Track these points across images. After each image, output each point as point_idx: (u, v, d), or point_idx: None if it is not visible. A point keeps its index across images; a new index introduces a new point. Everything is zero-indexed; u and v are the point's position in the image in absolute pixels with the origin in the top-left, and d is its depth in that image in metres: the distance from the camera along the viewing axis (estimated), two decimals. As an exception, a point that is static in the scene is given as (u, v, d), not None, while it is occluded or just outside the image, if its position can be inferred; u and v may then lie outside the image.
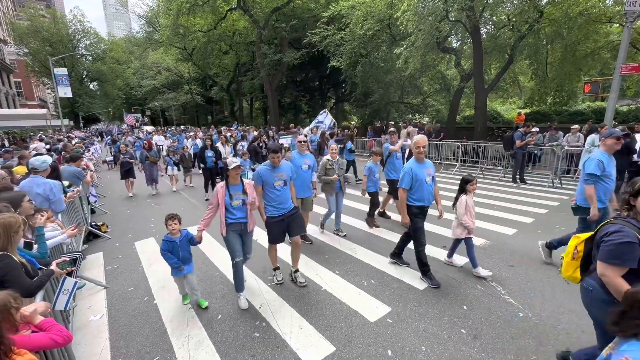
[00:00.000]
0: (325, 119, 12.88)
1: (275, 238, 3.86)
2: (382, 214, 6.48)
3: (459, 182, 4.10)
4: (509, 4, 14.23)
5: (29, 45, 36.72)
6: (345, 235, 5.52)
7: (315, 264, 4.47)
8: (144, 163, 8.98)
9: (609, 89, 9.62)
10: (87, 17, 40.78)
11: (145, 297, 3.82)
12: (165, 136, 16.03)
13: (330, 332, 3.07)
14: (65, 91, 26.56)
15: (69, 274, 2.97)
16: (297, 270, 4.03)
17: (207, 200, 8.26)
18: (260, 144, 11.24)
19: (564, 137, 10.27)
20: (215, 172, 8.68)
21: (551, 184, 8.82)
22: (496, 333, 2.98)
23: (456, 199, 4.04)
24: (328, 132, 10.57)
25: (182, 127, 28.74)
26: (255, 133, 14.33)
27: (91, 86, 47.43)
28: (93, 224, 6.10)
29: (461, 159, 11.72)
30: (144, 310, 3.56)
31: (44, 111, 29.20)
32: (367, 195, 5.81)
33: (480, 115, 15.29)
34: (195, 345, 2.95)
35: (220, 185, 3.36)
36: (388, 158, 6.10)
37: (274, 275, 4.07)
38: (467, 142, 12.14)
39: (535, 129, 9.88)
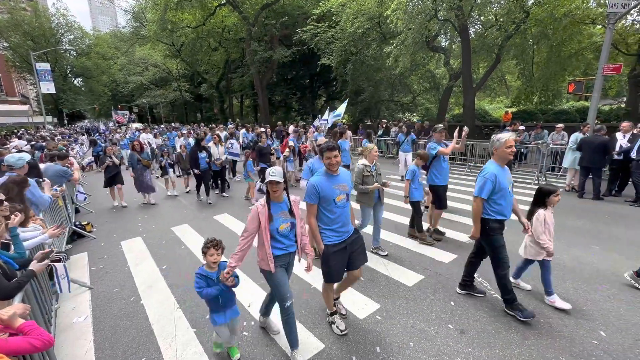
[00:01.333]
0: (329, 116, 12.35)
1: (335, 274, 2.86)
2: (437, 232, 5.32)
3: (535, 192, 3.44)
4: (496, 4, 14.44)
5: (9, 39, 35.39)
6: (387, 255, 4.62)
7: (304, 261, 4.46)
8: (135, 168, 7.54)
9: (592, 88, 9.87)
10: (70, 11, 39.59)
11: (131, 298, 3.75)
12: (155, 134, 14.87)
13: (319, 329, 3.07)
14: (48, 87, 25.75)
15: (55, 261, 2.92)
16: (335, 313, 3.14)
17: (200, 200, 8.02)
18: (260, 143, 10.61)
19: (549, 135, 10.51)
20: (208, 175, 7.97)
21: (536, 181, 9.01)
22: (482, 328, 3.03)
23: (531, 212, 3.35)
24: (329, 127, 10.14)
25: (173, 124, 27.34)
26: (258, 130, 13.14)
27: (75, 82, 46.15)
28: (77, 223, 5.95)
29: (450, 157, 11.86)
30: (130, 311, 3.50)
31: (25, 107, 28.32)
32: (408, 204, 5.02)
33: (469, 113, 15.50)
34: (182, 346, 2.91)
35: (261, 204, 2.51)
36: (434, 160, 5.15)
37: (332, 322, 3.09)
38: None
39: (522, 127, 10.09)
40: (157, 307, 3.54)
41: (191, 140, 11.20)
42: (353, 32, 16.20)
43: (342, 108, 12.06)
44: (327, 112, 12.62)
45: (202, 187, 8.01)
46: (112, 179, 7.55)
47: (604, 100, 17.62)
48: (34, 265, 2.46)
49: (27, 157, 4.42)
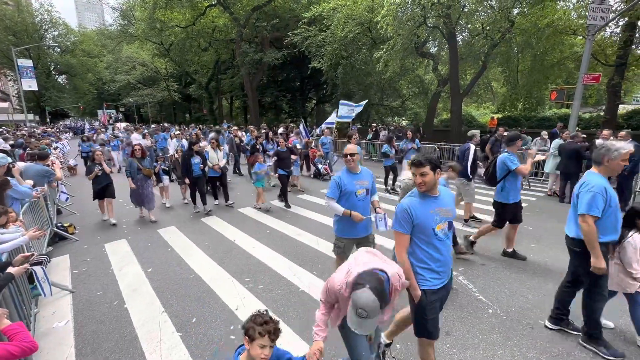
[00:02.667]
0: (332, 119, 11.88)
1: (435, 328, 2.27)
2: (472, 243, 4.80)
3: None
4: (483, 13, 14.85)
5: (-11, 34, 34.26)
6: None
7: (293, 265, 4.46)
8: (134, 178, 6.26)
9: (574, 97, 10.24)
10: (55, 7, 38.57)
11: (115, 302, 3.66)
12: (145, 135, 13.21)
13: (307, 333, 3.07)
14: (30, 84, 25.01)
15: (35, 264, 2.84)
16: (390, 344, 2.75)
17: (197, 212, 6.97)
18: (258, 147, 9.58)
19: (532, 141, 10.82)
20: (202, 182, 7.06)
21: (520, 185, 9.26)
22: (467, 329, 3.09)
23: (622, 236, 2.75)
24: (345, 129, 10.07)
25: (165, 124, 24.61)
26: (260, 131, 12.23)
27: (59, 80, 44.91)
28: (59, 225, 5.78)
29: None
30: (113, 315, 3.42)
31: (5, 105, 27.36)
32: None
33: (456, 118, 15.85)
34: (167, 350, 2.87)
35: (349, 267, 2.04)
36: (508, 176, 4.41)
37: None
38: (444, 145, 12.53)
39: (506, 133, 10.33)
40: (142, 311, 3.47)
41: (185, 143, 10.27)
42: (344, 36, 16.36)
43: (358, 108, 11.60)
44: (333, 114, 11.92)
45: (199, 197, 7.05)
46: (103, 190, 6.20)
47: (584, 108, 18.27)
48: (12, 269, 2.39)
49: (8, 159, 4.35)
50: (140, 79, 36.74)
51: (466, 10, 14.10)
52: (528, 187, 9.25)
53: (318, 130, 13.76)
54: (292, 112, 32.22)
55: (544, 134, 10.52)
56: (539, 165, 10.35)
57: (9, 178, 4.24)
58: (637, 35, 13.04)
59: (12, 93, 46.20)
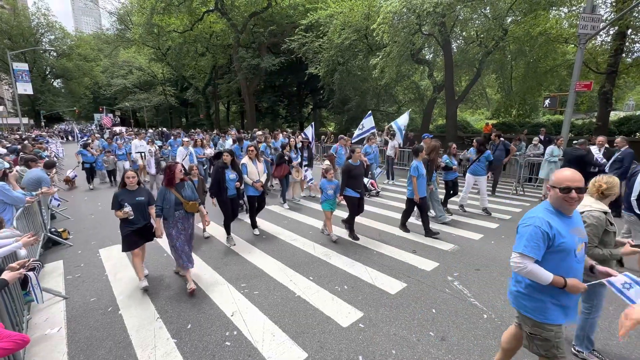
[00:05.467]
0: (369, 124, 10.17)
1: None
2: None
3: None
4: (477, 22, 15.10)
5: (-15, 37, 34.11)
6: None
7: (289, 270, 4.46)
8: (169, 217, 3.91)
9: (566, 103, 10.40)
10: (52, 11, 38.57)
11: (109, 308, 3.63)
12: (149, 141, 11.28)
13: (302, 338, 3.06)
14: (26, 88, 24.89)
15: (29, 270, 2.81)
16: None
17: (233, 246, 5.33)
18: (286, 156, 7.53)
19: (526, 147, 10.96)
20: (237, 206, 5.63)
21: (514, 191, 9.35)
22: (462, 335, 3.11)
23: None
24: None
25: (177, 130, 22.23)
26: (285, 139, 9.62)
27: (55, 83, 44.76)
28: (53, 230, 5.73)
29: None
30: (107, 321, 3.38)
31: (0, 108, 27.15)
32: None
33: (451, 124, 16.02)
34: (162, 357, 2.84)
35: None
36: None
37: None
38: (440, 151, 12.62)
39: (501, 139, 10.44)
40: (136, 317, 3.44)
41: (192, 150, 8.96)
42: (340, 42, 16.52)
43: (404, 118, 10.24)
44: (366, 120, 10.21)
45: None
46: (140, 234, 3.94)
47: (576, 114, 18.56)
48: (6, 275, 2.37)
49: (6, 164, 4.33)
50: (136, 83, 36.71)
51: (461, 18, 14.34)
52: (522, 193, 9.34)
53: (303, 135, 13.29)
54: (289, 117, 32.31)
55: (536, 140, 10.66)
56: (533, 170, 10.48)
57: (2, 183, 4.22)
58: (627, 43, 13.34)
59: (6, 96, 45.86)
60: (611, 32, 13.55)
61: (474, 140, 7.46)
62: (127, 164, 10.50)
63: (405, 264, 4.65)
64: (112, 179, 10.87)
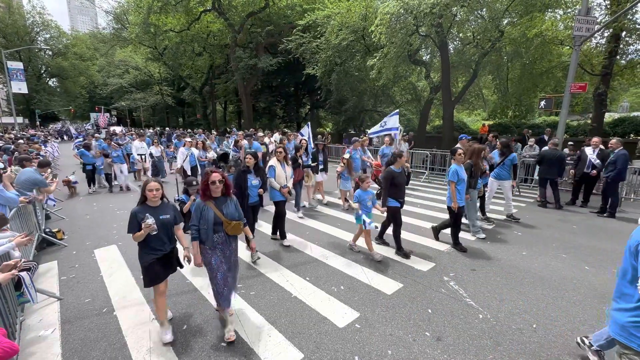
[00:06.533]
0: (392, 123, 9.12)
1: None
2: None
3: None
4: (473, 23, 15.18)
5: (-21, 35, 33.79)
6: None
7: (286, 270, 4.45)
8: (208, 242, 3.04)
9: (562, 104, 10.49)
10: (47, 10, 38.28)
11: (104, 309, 3.60)
12: (154, 142, 11.07)
13: (299, 339, 3.06)
14: (20, 87, 24.67)
15: (23, 270, 2.79)
16: None
17: (258, 259, 4.75)
18: (300, 160, 7.01)
19: (521, 148, 11.03)
20: (257, 212, 5.28)
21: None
22: (458, 335, 3.12)
23: None
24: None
25: (179, 130, 21.18)
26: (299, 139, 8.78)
27: (50, 82, 44.41)
28: (47, 230, 5.68)
29: (430, 167, 12.22)
30: (101, 322, 3.36)
31: (-6, 107, 26.89)
32: None
33: (448, 125, 16.09)
34: (157, 358, 2.83)
35: None
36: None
37: None
38: (436, 151, 12.67)
39: (497, 139, 10.51)
40: (132, 318, 3.42)
41: (195, 151, 8.60)
42: (338, 43, 16.53)
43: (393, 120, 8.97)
44: (390, 118, 9.27)
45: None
46: (165, 263, 3.09)
47: (571, 115, 18.73)
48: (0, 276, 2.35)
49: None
50: (133, 82, 36.53)
51: (457, 19, 14.41)
52: (518, 193, 9.39)
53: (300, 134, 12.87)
54: (286, 117, 32.30)
55: (531, 140, 10.74)
56: (529, 171, 10.55)
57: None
58: (621, 46, 13.48)
59: (1, 95, 45.42)
60: (606, 35, 13.70)
61: (498, 142, 7.01)
62: (124, 167, 9.88)
63: (401, 264, 4.66)
64: (109, 183, 10.02)
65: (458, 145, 6.04)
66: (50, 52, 40.11)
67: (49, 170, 5.95)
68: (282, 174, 5.22)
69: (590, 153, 7.63)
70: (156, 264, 2.99)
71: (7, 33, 34.59)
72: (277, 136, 12.67)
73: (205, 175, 3.05)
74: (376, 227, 4.66)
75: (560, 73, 16.13)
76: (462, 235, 5.66)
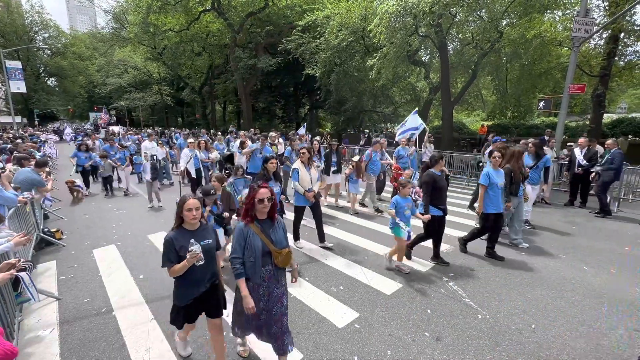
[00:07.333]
0: (412, 122, 8.79)
1: None
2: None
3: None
4: (473, 24, 15.21)
5: (-23, 34, 33.68)
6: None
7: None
8: (256, 279, 2.39)
9: (560, 105, 10.51)
10: (46, 9, 38.18)
11: (102, 309, 3.59)
12: (160, 143, 10.56)
13: (298, 339, 3.05)
14: (19, 86, 24.59)
15: (20, 270, 2.78)
16: None
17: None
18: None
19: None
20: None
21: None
22: (457, 335, 3.12)
23: None
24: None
25: (186, 130, 20.67)
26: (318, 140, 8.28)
27: (49, 82, 44.29)
28: (46, 230, 5.66)
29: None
30: (100, 322, 3.35)
31: (-8, 107, 26.79)
32: None
33: (447, 126, 16.12)
34: (156, 358, 2.82)
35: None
36: None
37: None
38: (435, 151, 12.68)
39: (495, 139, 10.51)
40: (130, 318, 3.41)
41: (200, 154, 8.14)
42: (337, 44, 16.55)
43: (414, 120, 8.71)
44: (410, 118, 8.90)
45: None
46: (204, 301, 2.53)
47: (570, 116, 18.77)
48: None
49: None
50: (132, 82, 36.46)
51: (457, 20, 14.44)
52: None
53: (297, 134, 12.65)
54: (285, 118, 32.30)
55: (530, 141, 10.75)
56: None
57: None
58: (619, 47, 13.52)
59: (-1, 95, 45.28)
60: (604, 36, 13.73)
61: (531, 144, 6.48)
62: (128, 170, 9.45)
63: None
64: (109, 187, 9.26)
65: (491, 147, 5.72)
66: (49, 52, 40.02)
67: (46, 169, 5.90)
68: (306, 177, 4.90)
69: (578, 154, 7.75)
70: (196, 304, 2.47)
71: (6, 32, 34.49)
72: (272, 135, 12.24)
73: (251, 190, 2.39)
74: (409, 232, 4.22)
75: (559, 74, 16.18)
76: (459, 234, 5.49)
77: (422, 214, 4.34)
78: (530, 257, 4.92)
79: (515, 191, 5.08)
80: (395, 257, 4.49)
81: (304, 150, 5.02)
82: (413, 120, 8.71)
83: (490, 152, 4.86)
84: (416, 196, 6.66)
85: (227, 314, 2.79)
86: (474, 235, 5.02)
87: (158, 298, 3.78)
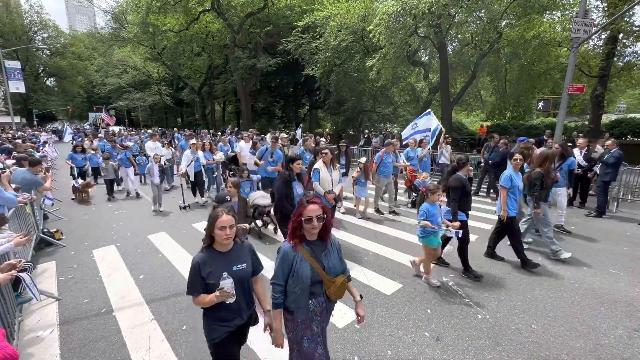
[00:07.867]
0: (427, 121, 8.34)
1: None
2: None
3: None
4: (472, 24, 15.24)
5: (-24, 34, 33.62)
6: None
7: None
8: (301, 311, 2.00)
9: (559, 106, 10.53)
10: (45, 9, 38.13)
11: (102, 309, 3.59)
12: (164, 143, 10.29)
13: (298, 339, 3.06)
14: (18, 86, 24.54)
15: (21, 271, 2.78)
16: None
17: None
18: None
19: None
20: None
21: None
22: (457, 335, 3.13)
23: None
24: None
25: (187, 131, 19.93)
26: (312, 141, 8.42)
27: (48, 82, 44.22)
28: (45, 230, 5.65)
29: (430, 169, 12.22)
30: (100, 323, 3.35)
31: (-9, 107, 26.74)
32: None
33: (446, 126, 16.04)
34: (156, 358, 2.82)
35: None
36: None
37: None
38: (434, 152, 12.69)
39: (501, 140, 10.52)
40: (131, 318, 3.41)
41: (201, 155, 7.92)
42: (337, 44, 16.55)
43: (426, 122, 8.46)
44: (421, 119, 8.51)
45: None
46: (238, 336, 2.18)
47: (569, 117, 18.85)
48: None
49: None
50: (131, 82, 36.41)
51: (456, 20, 14.46)
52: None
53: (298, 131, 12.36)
54: (285, 118, 32.30)
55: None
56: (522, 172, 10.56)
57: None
58: (618, 48, 13.57)
59: (-2, 95, 45.18)
60: (603, 37, 13.79)
61: (557, 145, 6.17)
62: (130, 171, 9.02)
63: (400, 264, 4.67)
64: (110, 190, 8.83)
65: (515, 148, 5.52)
66: (48, 52, 39.97)
67: (40, 168, 5.78)
68: (327, 178, 4.73)
69: (578, 155, 7.78)
70: (231, 339, 2.06)
71: (5, 32, 34.44)
72: (269, 137, 11.84)
73: (300, 207, 1.99)
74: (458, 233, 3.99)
75: (558, 74, 16.24)
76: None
77: (450, 221, 4.07)
78: (529, 257, 4.92)
79: (545, 197, 4.77)
80: (422, 267, 4.23)
81: (327, 151, 4.82)
82: (426, 122, 8.30)
83: (511, 155, 4.59)
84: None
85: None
86: (495, 240, 4.84)
87: (158, 298, 3.78)
